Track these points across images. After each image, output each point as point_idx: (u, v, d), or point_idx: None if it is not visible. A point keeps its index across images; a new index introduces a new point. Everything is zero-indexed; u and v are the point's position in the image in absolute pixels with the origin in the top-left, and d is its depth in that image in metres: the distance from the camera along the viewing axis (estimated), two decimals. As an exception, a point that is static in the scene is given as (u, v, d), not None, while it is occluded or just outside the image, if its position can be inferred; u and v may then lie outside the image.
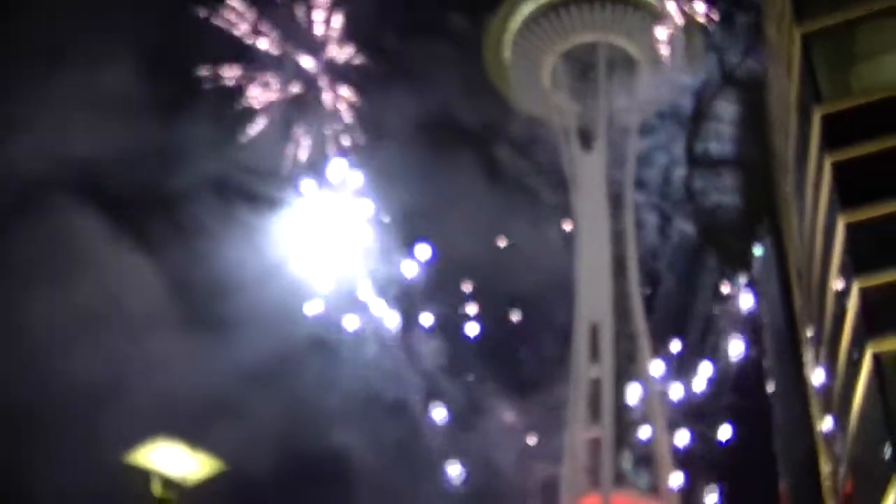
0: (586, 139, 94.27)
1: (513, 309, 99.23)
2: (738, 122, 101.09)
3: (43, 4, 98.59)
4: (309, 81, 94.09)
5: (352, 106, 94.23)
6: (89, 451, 79.69)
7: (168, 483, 19.66)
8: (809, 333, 64.33)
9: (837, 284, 48.58)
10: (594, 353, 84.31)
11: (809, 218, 55.13)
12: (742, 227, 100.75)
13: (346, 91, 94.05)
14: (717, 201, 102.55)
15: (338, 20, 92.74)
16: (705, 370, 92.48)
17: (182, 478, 19.79)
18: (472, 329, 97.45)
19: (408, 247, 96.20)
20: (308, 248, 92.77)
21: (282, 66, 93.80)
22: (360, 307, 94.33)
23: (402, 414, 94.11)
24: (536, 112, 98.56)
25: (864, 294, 44.16)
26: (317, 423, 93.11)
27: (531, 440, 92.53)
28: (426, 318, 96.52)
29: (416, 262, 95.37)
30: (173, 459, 19.58)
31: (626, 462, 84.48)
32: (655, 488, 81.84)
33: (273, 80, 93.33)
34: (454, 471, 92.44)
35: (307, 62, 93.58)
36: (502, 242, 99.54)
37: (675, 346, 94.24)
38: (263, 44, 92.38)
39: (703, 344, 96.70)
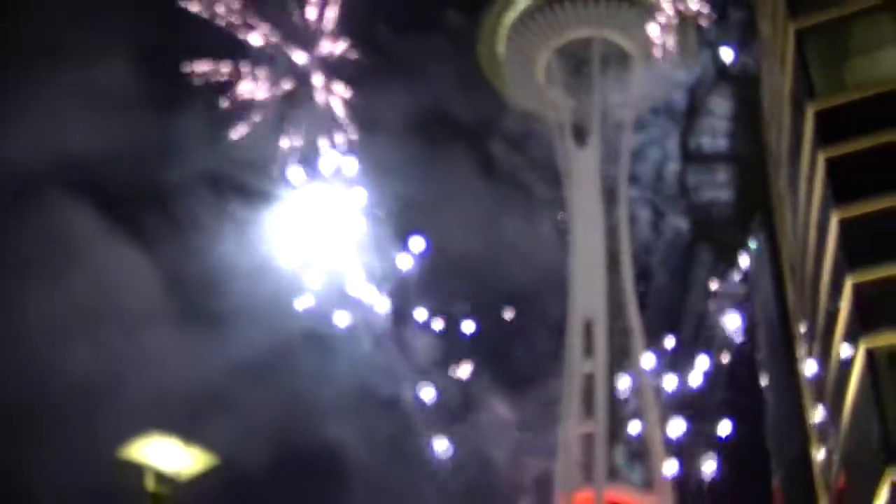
0: (580, 134, 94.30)
1: (506, 304, 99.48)
2: (731, 118, 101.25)
3: (38, 2, 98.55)
4: (302, 76, 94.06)
5: (345, 101, 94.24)
6: (84, 447, 79.64)
7: (162, 478, 19.68)
8: (802, 329, 64.41)
9: (831, 280, 48.65)
10: (588, 349, 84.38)
11: (803, 213, 55.19)
12: (735, 222, 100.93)
13: (339, 86, 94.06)
14: (711, 197, 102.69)
15: (331, 15, 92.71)
16: (701, 363, 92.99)
17: (176, 472, 19.81)
18: (466, 324, 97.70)
19: (401, 241, 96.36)
20: (301, 242, 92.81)
21: (275, 61, 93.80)
22: (353, 302, 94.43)
23: (396, 408, 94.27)
24: (531, 107, 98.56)
25: (858, 289, 44.23)
26: (311, 417, 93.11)
27: (525, 435, 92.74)
28: (420, 313, 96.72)
29: (411, 255, 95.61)
30: (167, 454, 19.59)
31: (620, 457, 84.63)
32: (649, 483, 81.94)
33: (266, 76, 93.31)
34: (441, 446, 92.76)
35: (300, 57, 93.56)
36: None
37: (669, 342, 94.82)
38: (256, 39, 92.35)
39: (696, 339, 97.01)
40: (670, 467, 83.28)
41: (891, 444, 40.49)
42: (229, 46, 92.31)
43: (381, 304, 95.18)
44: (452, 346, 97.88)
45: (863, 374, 43.17)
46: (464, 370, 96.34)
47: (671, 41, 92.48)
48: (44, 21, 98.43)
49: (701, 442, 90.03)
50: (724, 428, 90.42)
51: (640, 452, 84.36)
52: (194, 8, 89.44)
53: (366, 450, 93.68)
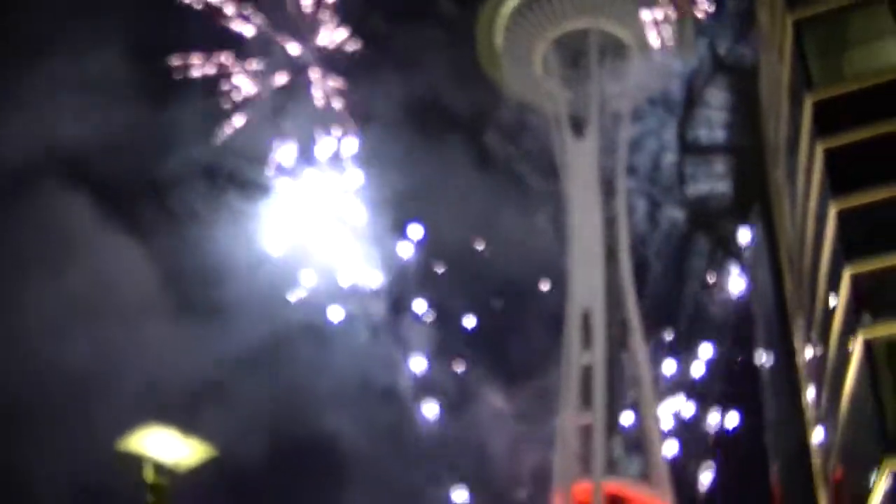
0: (577, 126, 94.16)
1: (501, 295, 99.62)
2: (729, 109, 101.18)
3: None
4: (297, 68, 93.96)
5: (340, 91, 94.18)
6: (82, 439, 79.64)
7: (161, 469, 19.66)
8: (800, 320, 64.41)
9: (829, 271, 48.63)
10: (586, 340, 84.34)
11: (801, 204, 55.16)
12: (733, 213, 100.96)
13: (334, 77, 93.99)
14: (708, 188, 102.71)
15: (326, 5, 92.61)
16: (704, 352, 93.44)
17: (175, 464, 19.80)
18: (462, 316, 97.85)
19: (397, 232, 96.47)
20: (298, 233, 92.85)
21: (270, 52, 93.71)
22: (349, 293, 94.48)
23: (394, 399, 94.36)
24: (528, 98, 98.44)
25: (856, 280, 44.21)
26: (308, 408, 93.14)
27: (521, 427, 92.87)
28: (417, 304, 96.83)
29: (410, 243, 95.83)
30: (165, 446, 19.59)
31: (618, 449, 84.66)
32: (647, 475, 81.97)
33: (261, 68, 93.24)
34: (430, 411, 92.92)
35: (295, 48, 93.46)
36: (479, 245, 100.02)
37: (666, 334, 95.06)
38: (251, 30, 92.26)
39: (693, 331, 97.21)
40: (668, 458, 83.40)
41: (889, 434, 40.50)
42: (224, 38, 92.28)
43: (378, 295, 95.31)
44: (448, 337, 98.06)
45: (861, 364, 43.17)
46: (460, 362, 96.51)
47: (668, 32, 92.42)
48: (39, 13, 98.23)
49: (699, 434, 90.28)
50: (722, 420, 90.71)
51: (637, 444, 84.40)
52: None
53: (363, 440, 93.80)
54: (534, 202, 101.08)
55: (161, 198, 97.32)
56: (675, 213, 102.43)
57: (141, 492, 19.75)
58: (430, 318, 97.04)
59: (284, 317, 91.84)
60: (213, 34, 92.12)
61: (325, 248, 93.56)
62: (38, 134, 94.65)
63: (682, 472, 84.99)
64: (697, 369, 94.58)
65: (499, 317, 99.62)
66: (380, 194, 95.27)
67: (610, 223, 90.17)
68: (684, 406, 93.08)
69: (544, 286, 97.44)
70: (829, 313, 49.05)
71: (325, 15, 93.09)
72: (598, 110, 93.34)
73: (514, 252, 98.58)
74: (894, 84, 46.75)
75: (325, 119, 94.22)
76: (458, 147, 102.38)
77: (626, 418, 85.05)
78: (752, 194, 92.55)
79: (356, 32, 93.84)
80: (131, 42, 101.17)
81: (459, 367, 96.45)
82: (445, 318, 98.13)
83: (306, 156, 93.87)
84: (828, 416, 53.84)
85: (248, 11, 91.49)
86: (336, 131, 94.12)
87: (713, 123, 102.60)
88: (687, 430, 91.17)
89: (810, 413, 63.58)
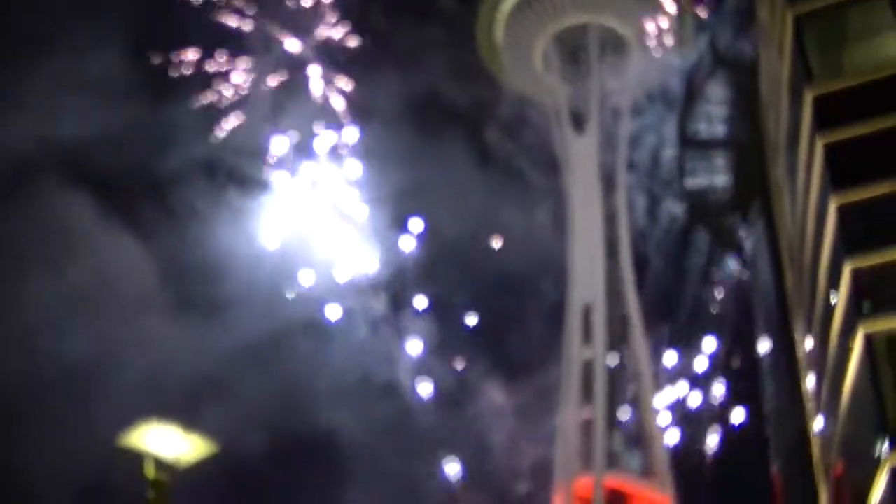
0: (578, 121, 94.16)
1: (502, 291, 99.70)
2: (729, 104, 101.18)
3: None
4: (297, 64, 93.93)
5: (340, 88, 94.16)
6: (81, 434, 79.66)
7: (161, 465, 19.68)
8: (801, 315, 64.42)
9: (829, 265, 48.62)
10: (587, 335, 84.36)
11: (801, 199, 55.13)
12: (733, 208, 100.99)
13: (334, 73, 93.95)
14: (708, 182, 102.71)
15: (327, 0, 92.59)
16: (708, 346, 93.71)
17: (175, 459, 19.81)
18: (465, 313, 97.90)
19: (397, 227, 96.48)
20: (297, 229, 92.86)
21: (270, 48, 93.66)
22: (349, 288, 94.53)
23: (394, 394, 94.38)
24: (528, 93, 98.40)
25: (856, 275, 44.21)
26: (308, 403, 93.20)
27: (521, 422, 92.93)
28: (416, 300, 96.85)
29: (412, 237, 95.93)
30: (166, 441, 19.60)
31: (618, 443, 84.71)
32: (648, 469, 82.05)
33: (260, 64, 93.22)
34: (425, 390, 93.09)
35: (294, 44, 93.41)
36: (497, 243, 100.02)
37: (666, 328, 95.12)
38: (250, 26, 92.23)
39: (693, 325, 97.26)
40: (669, 452, 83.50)
41: (889, 428, 40.52)
42: (224, 35, 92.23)
43: (378, 290, 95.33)
44: (448, 332, 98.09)
45: (861, 359, 43.17)
46: (460, 357, 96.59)
47: (668, 27, 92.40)
48: (38, 11, 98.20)
49: (700, 428, 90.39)
50: (724, 414, 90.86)
51: (638, 439, 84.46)
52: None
53: (363, 435, 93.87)
54: (534, 197, 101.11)
55: (161, 195, 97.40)
56: (674, 208, 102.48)
57: (141, 487, 19.78)
58: (429, 313, 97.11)
59: (284, 312, 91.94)
60: (213, 31, 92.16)
61: (325, 243, 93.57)
62: (38, 132, 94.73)
63: (683, 462, 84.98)
64: (700, 363, 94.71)
65: (499, 312, 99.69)
66: (379, 190, 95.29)
67: (610, 218, 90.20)
68: (685, 393, 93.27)
69: (545, 281, 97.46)
70: (829, 308, 49.05)
71: (324, 10, 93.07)
72: (599, 105, 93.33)
73: (514, 247, 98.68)
74: (894, 79, 46.74)
75: (325, 115, 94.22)
76: (458, 142, 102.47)
77: (627, 413, 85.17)
78: (752, 189, 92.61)
79: (356, 28, 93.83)
80: (131, 40, 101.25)
81: (459, 364, 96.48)
82: (445, 313, 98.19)
83: (306, 152, 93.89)
84: (828, 409, 53.85)
85: (247, 8, 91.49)
86: (336, 127, 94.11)
87: (713, 118, 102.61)
88: (688, 419, 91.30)
89: (811, 407, 63.59)
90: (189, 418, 20.22)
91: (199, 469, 20.61)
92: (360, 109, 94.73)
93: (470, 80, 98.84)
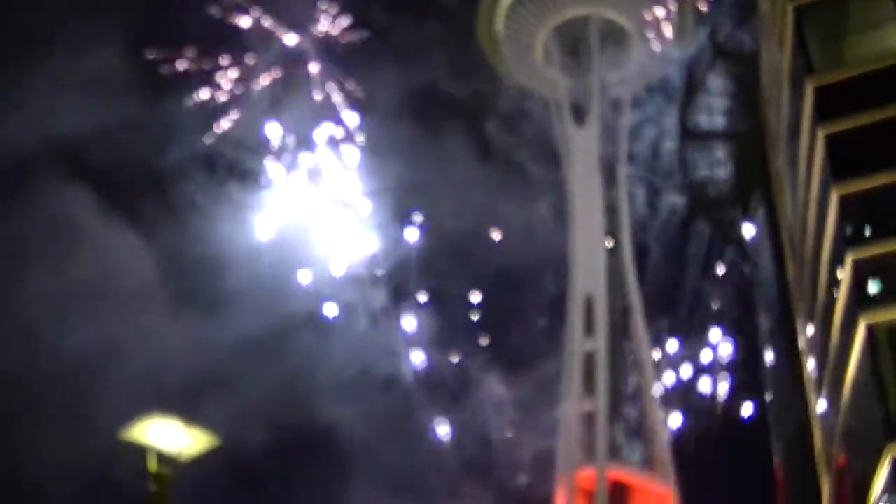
0: (578, 113, 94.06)
1: (503, 283, 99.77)
2: (729, 96, 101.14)
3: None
4: (296, 58, 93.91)
5: (339, 82, 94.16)
6: (83, 428, 79.78)
7: (163, 458, 19.68)
8: (802, 305, 64.43)
9: (830, 256, 48.62)
10: (588, 327, 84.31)
11: (802, 190, 55.12)
12: (734, 200, 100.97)
13: (333, 67, 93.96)
14: (708, 174, 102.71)
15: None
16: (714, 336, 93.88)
17: (177, 453, 19.82)
18: (465, 305, 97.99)
19: (397, 221, 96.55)
20: (298, 223, 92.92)
21: (270, 42, 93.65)
22: (350, 282, 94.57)
23: (395, 387, 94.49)
24: (528, 86, 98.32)
25: (857, 265, 44.26)
26: (309, 397, 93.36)
27: (522, 414, 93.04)
28: (417, 293, 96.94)
29: (412, 229, 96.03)
30: (168, 435, 19.60)
31: (620, 435, 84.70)
32: (650, 462, 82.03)
33: (260, 58, 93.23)
34: (417, 358, 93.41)
35: (294, 39, 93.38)
36: (497, 235, 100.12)
37: (667, 320, 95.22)
38: (249, 21, 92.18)
39: (693, 317, 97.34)
40: (671, 441, 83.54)
41: (891, 420, 40.55)
42: (224, 29, 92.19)
43: (378, 283, 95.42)
44: (449, 325, 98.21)
45: (863, 350, 43.20)
46: (460, 350, 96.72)
47: (669, 19, 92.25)
48: (38, 10, 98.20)
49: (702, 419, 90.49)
50: (726, 406, 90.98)
51: (639, 431, 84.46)
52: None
53: (365, 429, 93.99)
54: (534, 190, 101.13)
55: (161, 190, 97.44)
56: (675, 200, 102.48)
57: (143, 481, 19.79)
58: (430, 306, 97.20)
59: (285, 306, 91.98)
60: (213, 27, 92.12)
61: (325, 237, 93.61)
62: (38, 129, 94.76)
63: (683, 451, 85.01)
64: (704, 355, 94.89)
65: (499, 304, 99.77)
66: (379, 183, 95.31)
67: (611, 210, 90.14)
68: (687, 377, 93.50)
69: (545, 273, 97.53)
70: (830, 298, 49.07)
71: (324, 4, 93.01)
72: (599, 98, 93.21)
73: (514, 239, 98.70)
74: (895, 69, 46.71)
75: (325, 109, 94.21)
76: (459, 136, 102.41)
77: (628, 405, 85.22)
78: (753, 181, 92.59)
79: (356, 22, 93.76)
80: (130, 37, 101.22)
81: (458, 356, 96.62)
82: (446, 305, 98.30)
83: (306, 145, 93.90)
84: (830, 400, 53.87)
85: (247, 4, 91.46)
86: (336, 121, 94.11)
87: (713, 110, 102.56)
88: (690, 409, 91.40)
89: (812, 398, 63.62)
90: (190, 412, 20.22)
91: (201, 463, 20.62)
92: (360, 103, 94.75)
93: (470, 73, 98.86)
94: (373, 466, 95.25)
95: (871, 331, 42.62)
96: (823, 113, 47.97)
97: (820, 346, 55.62)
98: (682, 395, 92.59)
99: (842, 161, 46.33)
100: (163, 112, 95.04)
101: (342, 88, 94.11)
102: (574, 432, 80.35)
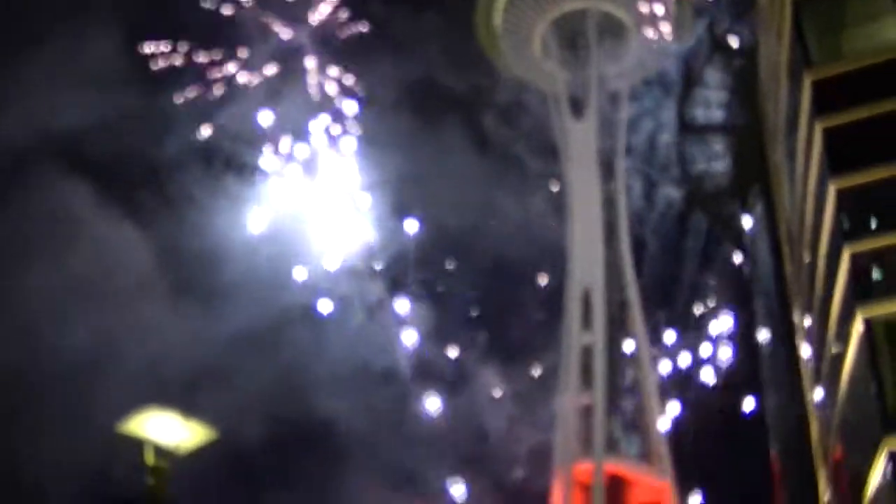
0: (576, 107, 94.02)
1: (500, 277, 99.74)
2: (727, 89, 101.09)
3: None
4: (294, 51, 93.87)
5: (337, 75, 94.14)
6: (81, 421, 79.72)
7: (160, 451, 19.68)
8: (800, 299, 64.46)
9: (828, 250, 48.63)
10: (586, 320, 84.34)
11: (800, 184, 55.13)
12: (732, 193, 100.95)
13: (330, 60, 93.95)
14: (707, 168, 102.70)
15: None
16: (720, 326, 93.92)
17: (175, 446, 19.81)
18: (463, 298, 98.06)
19: (395, 214, 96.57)
20: (296, 216, 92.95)
21: (267, 35, 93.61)
22: (346, 275, 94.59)
23: (392, 381, 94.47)
24: (526, 79, 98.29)
25: (855, 259, 44.25)
26: (307, 390, 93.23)
27: (519, 408, 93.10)
28: (414, 286, 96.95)
29: (411, 222, 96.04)
30: (165, 428, 19.60)
31: (617, 429, 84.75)
32: (647, 455, 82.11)
33: (258, 51, 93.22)
34: (409, 339, 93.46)
35: (291, 32, 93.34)
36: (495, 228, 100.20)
37: (663, 313, 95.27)
38: (246, 14, 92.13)
39: (690, 311, 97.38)
40: (667, 434, 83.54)
41: (888, 413, 40.58)
42: (221, 22, 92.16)
43: (376, 276, 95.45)
44: (446, 318, 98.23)
45: (860, 343, 43.22)
46: (457, 344, 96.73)
47: (667, 12, 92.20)
48: (34, 3, 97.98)
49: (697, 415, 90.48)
50: (723, 399, 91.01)
51: (636, 424, 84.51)
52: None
53: (362, 422, 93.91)
54: (532, 183, 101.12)
55: (159, 183, 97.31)
56: (673, 193, 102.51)
57: (141, 474, 19.79)
58: (427, 299, 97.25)
59: (283, 299, 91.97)
60: (210, 20, 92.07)
61: (323, 230, 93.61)
62: (36, 121, 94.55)
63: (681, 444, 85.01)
64: (705, 349, 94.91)
65: (497, 297, 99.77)
66: (377, 176, 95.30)
67: (608, 203, 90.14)
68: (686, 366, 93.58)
69: (543, 266, 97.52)
70: (828, 292, 49.08)
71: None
72: (597, 91, 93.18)
73: (512, 233, 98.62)
74: (893, 63, 46.68)
75: (323, 101, 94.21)
76: (457, 129, 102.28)
77: (625, 398, 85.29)
78: (751, 174, 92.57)
79: (354, 14, 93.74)
80: (127, 30, 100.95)
81: (455, 350, 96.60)
82: (443, 299, 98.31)
83: (303, 139, 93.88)
84: (827, 393, 53.91)
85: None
86: (333, 114, 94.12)
87: (711, 103, 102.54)
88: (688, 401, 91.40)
89: (810, 391, 63.68)
90: (188, 405, 20.22)
91: (199, 456, 20.62)
92: (357, 96, 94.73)
93: (468, 66, 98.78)
94: (370, 460, 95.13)
95: (869, 324, 42.62)
96: (821, 106, 47.94)
97: (817, 339, 55.65)
98: (680, 384, 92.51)
99: (839, 154, 46.32)
100: (160, 105, 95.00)
101: (339, 81, 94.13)
102: (571, 425, 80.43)
